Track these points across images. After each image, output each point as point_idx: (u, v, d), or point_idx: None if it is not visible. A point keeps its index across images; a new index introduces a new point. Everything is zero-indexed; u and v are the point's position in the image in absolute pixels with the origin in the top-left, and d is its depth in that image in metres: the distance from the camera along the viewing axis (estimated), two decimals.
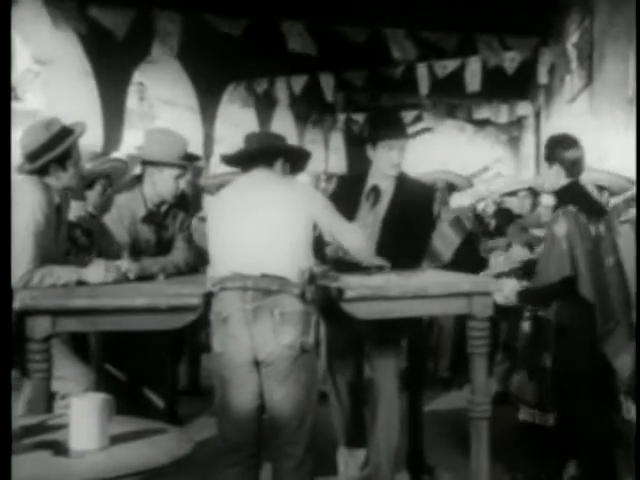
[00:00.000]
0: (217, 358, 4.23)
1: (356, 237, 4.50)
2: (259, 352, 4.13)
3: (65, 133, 4.75)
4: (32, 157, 4.69)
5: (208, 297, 4.21)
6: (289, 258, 4.16)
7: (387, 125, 5.38)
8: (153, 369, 5.46)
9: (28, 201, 4.53)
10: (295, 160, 4.67)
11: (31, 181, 4.64)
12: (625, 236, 5.87)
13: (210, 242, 4.36)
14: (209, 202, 4.62)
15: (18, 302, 4.11)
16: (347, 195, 5.34)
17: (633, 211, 6.08)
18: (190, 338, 7.44)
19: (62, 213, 4.83)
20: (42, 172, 4.69)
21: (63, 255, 4.90)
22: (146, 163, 5.25)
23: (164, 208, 5.35)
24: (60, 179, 4.72)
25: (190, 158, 5.33)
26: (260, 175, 4.41)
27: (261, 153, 4.47)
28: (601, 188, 6.35)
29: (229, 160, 4.66)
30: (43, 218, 4.55)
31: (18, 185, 4.73)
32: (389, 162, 5.25)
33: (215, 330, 4.20)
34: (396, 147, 5.24)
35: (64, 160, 4.72)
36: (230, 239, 4.23)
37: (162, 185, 5.22)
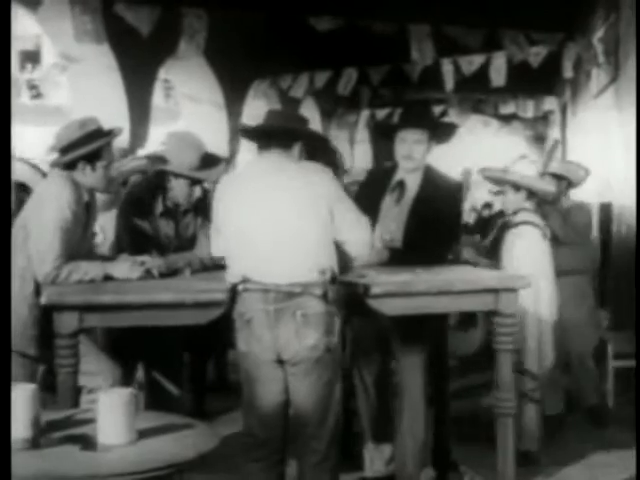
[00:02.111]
0: (242, 356, 4.23)
1: (363, 234, 4.33)
2: (283, 352, 4.12)
3: (99, 134, 4.77)
4: (63, 151, 4.72)
5: (233, 294, 4.20)
6: (310, 260, 4.10)
7: (405, 116, 5.37)
8: (174, 362, 5.51)
9: (57, 197, 4.55)
10: (314, 147, 4.58)
11: (61, 177, 4.66)
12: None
13: (224, 243, 4.27)
14: (216, 195, 4.40)
15: (45, 298, 4.14)
16: (375, 187, 5.33)
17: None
18: (217, 333, 7.45)
19: (91, 211, 4.85)
20: (71, 168, 4.71)
21: (89, 253, 4.91)
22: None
23: (182, 208, 5.40)
24: (87, 177, 4.72)
25: (211, 161, 5.33)
26: (275, 161, 4.27)
27: (281, 132, 4.34)
28: (560, 178, 6.57)
29: (247, 133, 4.54)
30: (71, 215, 4.57)
31: (47, 181, 4.77)
32: (400, 154, 5.23)
33: (239, 330, 4.18)
34: (409, 140, 5.19)
35: (94, 160, 4.72)
36: (245, 244, 4.14)
37: (176, 191, 5.30)
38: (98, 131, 4.77)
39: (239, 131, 4.65)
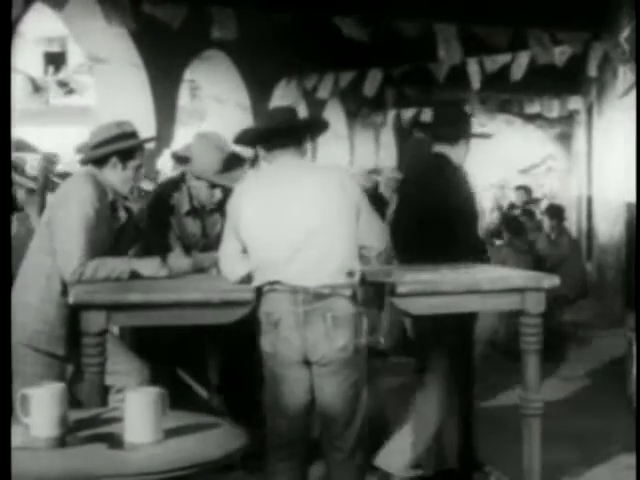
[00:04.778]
0: (267, 357, 4.21)
1: (384, 235, 4.39)
2: (311, 354, 4.11)
3: (135, 135, 4.81)
4: (96, 146, 4.73)
5: (259, 294, 4.19)
6: (339, 262, 4.09)
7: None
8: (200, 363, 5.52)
9: (78, 194, 4.55)
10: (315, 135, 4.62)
11: (82, 175, 4.68)
12: None
13: (249, 250, 4.23)
14: (234, 200, 4.34)
15: (73, 297, 4.15)
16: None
17: None
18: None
19: (117, 211, 4.85)
20: (103, 164, 4.72)
21: (115, 253, 4.92)
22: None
23: (209, 208, 5.43)
24: (117, 174, 4.69)
25: (233, 164, 5.35)
26: (293, 164, 4.26)
27: (302, 128, 4.38)
28: None
29: (261, 135, 4.37)
30: (93, 211, 4.55)
31: (69, 180, 4.79)
32: (461, 158, 5.59)
33: (265, 331, 4.17)
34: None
35: (127, 158, 4.73)
36: (273, 246, 4.11)
37: (198, 191, 5.40)
38: (134, 133, 4.80)
39: (245, 137, 4.45)
